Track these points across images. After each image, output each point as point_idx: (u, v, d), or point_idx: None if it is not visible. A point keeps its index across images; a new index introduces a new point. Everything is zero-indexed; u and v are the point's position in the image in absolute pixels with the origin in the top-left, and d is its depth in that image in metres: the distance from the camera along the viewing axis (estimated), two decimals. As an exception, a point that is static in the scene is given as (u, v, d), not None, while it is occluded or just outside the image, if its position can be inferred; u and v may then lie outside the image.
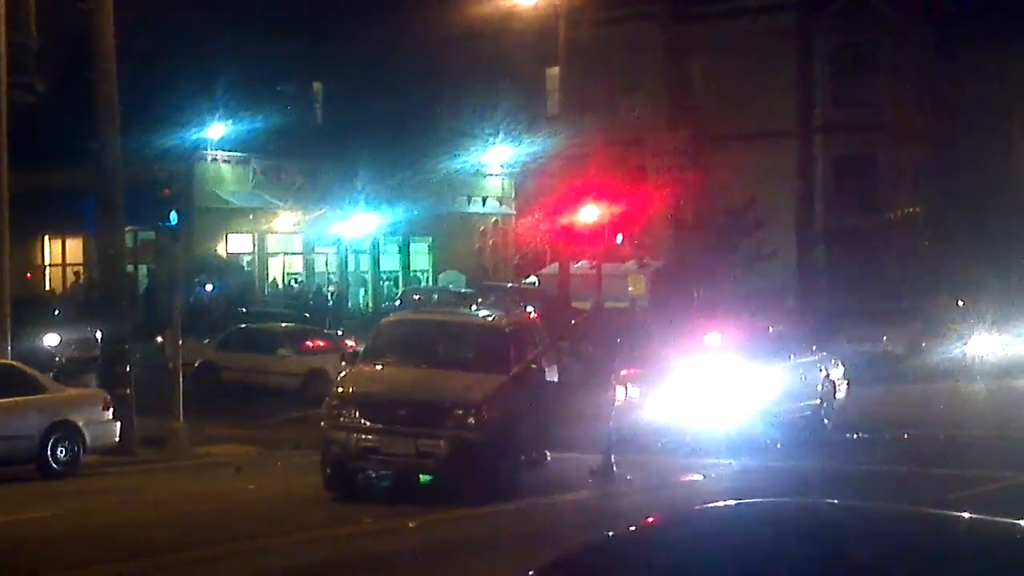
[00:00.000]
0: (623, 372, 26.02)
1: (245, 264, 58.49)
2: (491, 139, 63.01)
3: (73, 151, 35.71)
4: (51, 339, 39.37)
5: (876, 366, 42.68)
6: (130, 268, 39.97)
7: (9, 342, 28.79)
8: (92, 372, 30.24)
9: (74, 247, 57.96)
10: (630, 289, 53.13)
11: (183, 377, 29.05)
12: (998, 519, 6.25)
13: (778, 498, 7.35)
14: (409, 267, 65.04)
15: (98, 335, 38.73)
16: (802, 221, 49.80)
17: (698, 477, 24.04)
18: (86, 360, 35.19)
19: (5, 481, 24.05)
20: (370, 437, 20.82)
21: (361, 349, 24.17)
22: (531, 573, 6.08)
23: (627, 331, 31.27)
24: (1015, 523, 6.06)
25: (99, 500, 21.95)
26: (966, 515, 6.46)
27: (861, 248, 59.17)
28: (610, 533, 6.91)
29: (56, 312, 45.91)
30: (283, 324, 43.11)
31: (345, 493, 21.15)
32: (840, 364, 32.29)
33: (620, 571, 5.97)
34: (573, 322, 39.26)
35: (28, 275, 56.18)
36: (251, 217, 57.03)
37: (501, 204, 67.44)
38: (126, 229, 30.28)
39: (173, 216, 28.57)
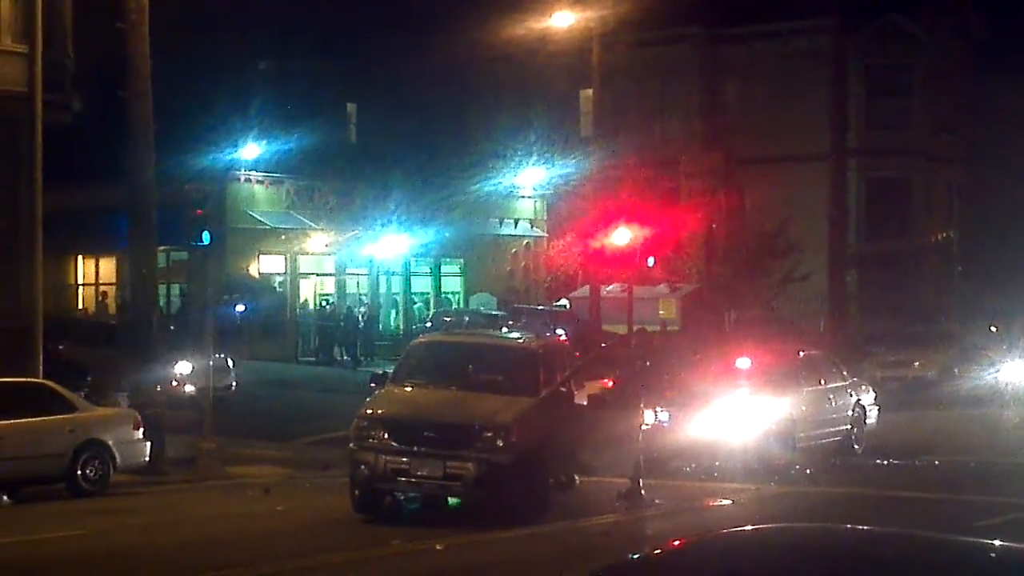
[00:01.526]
0: (655, 395, 25.98)
1: (277, 285, 58.62)
2: (524, 161, 63.05)
3: (107, 170, 35.90)
4: (183, 367, 36.21)
5: (908, 392, 42.53)
6: (162, 288, 40.16)
7: (40, 361, 28.92)
8: (124, 392, 30.27)
9: (107, 267, 58.19)
10: (661, 313, 53.02)
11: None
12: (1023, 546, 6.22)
13: (803, 523, 7.34)
14: (440, 289, 65.06)
15: (230, 361, 38.41)
16: (835, 245, 49.55)
17: (726, 502, 23.97)
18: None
19: (35, 499, 24.15)
20: (399, 459, 20.81)
21: (391, 370, 24.16)
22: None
23: (657, 354, 31.19)
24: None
25: (127, 520, 22.00)
26: (994, 543, 6.44)
27: (894, 273, 59.01)
28: (635, 556, 6.91)
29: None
30: None
31: (373, 515, 21.15)
32: (871, 389, 32.19)
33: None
34: (604, 344, 39.24)
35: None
36: (283, 238, 57.15)
37: (533, 226, 67.44)
38: (159, 249, 30.39)
39: (206, 236, 28.68)
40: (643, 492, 22.91)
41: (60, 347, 35.24)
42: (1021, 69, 61.68)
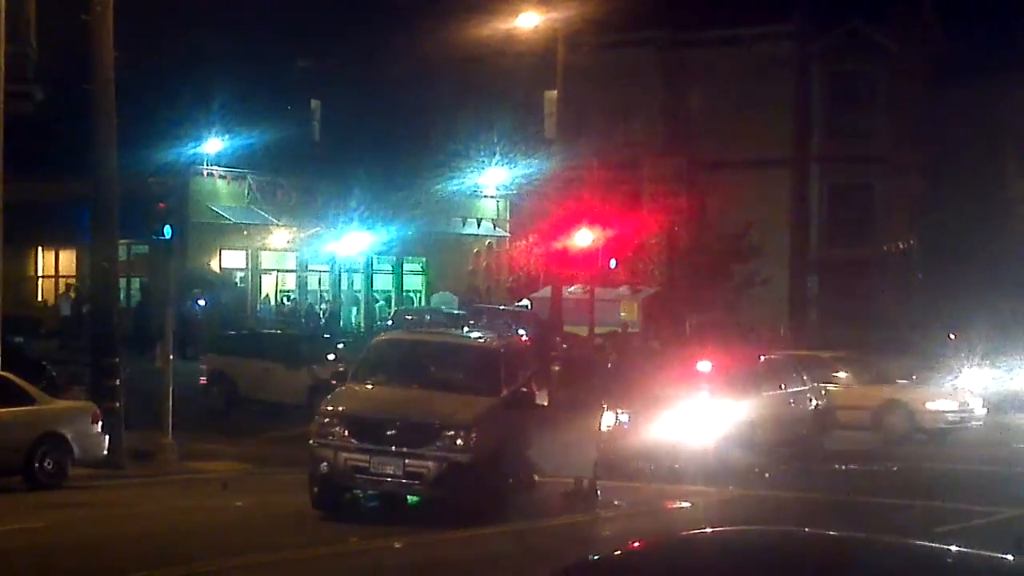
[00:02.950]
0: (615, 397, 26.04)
1: (238, 280, 58.48)
2: (487, 161, 63.06)
3: (70, 162, 35.78)
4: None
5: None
6: (123, 281, 39.99)
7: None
8: (82, 384, 30.13)
9: (67, 259, 57.92)
10: (622, 314, 53.16)
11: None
12: (981, 552, 6.27)
13: (762, 527, 7.36)
14: (402, 287, 65.04)
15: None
16: (796, 250, 49.84)
17: (685, 504, 24.03)
18: None
19: (-8, 492, 24.01)
20: (358, 456, 20.79)
21: (352, 368, 24.14)
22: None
23: (618, 356, 31.26)
24: (997, 557, 6.07)
25: (84, 513, 21.92)
26: (951, 548, 6.48)
27: (854, 278, 59.27)
28: (594, 557, 6.92)
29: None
30: None
31: (332, 512, 21.11)
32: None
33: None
34: (566, 346, 39.29)
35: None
36: (245, 233, 57.00)
37: (495, 226, 67.47)
38: (120, 242, 30.27)
39: (167, 230, 28.60)
40: (598, 493, 22.95)
41: (18, 339, 35.07)
42: (982, 78, 62.06)
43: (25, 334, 39.58)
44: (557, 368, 27.21)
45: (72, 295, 54.67)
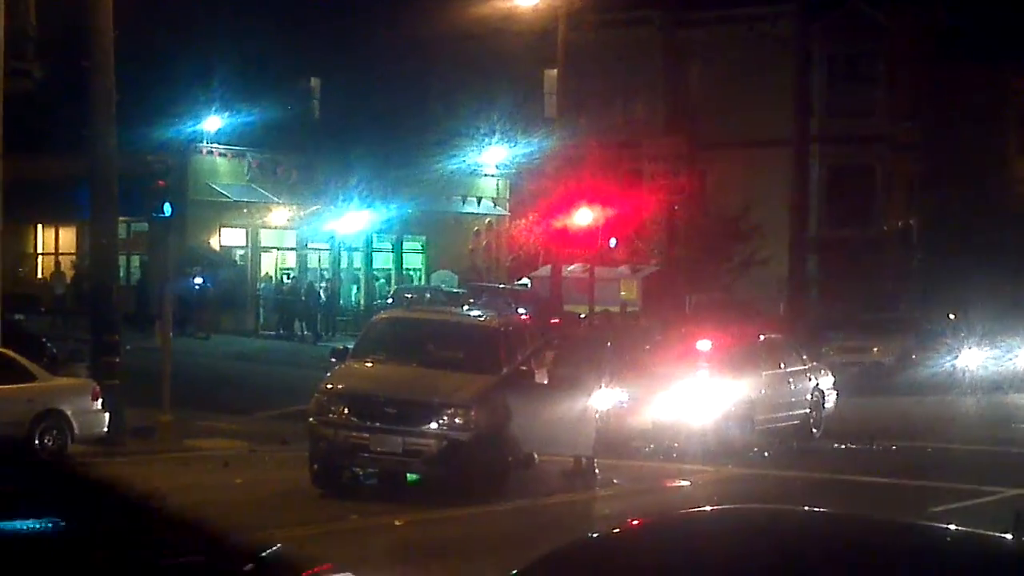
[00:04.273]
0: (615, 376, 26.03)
1: (238, 258, 58.44)
2: (487, 139, 62.96)
3: (69, 140, 35.66)
4: None
5: (866, 377, 42.74)
6: (122, 259, 39.93)
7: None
8: (83, 362, 30.14)
9: (67, 236, 57.87)
10: (622, 293, 53.19)
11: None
12: (979, 531, 6.27)
13: (761, 505, 7.38)
14: (402, 265, 64.98)
15: None
16: (795, 230, 49.75)
17: (684, 483, 24.06)
18: None
19: (-9, 468, 23.99)
20: (358, 434, 20.81)
21: (352, 346, 24.16)
22: (515, 573, 6.10)
23: (618, 335, 31.24)
24: (996, 536, 6.08)
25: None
26: (950, 527, 6.48)
27: (854, 259, 59.22)
28: (594, 535, 6.94)
29: None
30: None
31: (332, 490, 21.13)
32: (830, 374, 32.35)
33: (603, 572, 5.99)
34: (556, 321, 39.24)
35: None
36: (245, 211, 56.95)
37: (495, 205, 67.40)
38: (119, 219, 30.25)
39: (167, 208, 28.58)
40: (597, 472, 22.97)
41: (19, 316, 35.08)
42: (984, 58, 61.96)
43: (25, 311, 39.59)
44: (556, 347, 27.20)
45: (67, 273, 54.57)
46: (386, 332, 23.69)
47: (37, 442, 24.42)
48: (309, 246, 61.07)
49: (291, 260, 61.19)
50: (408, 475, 21.93)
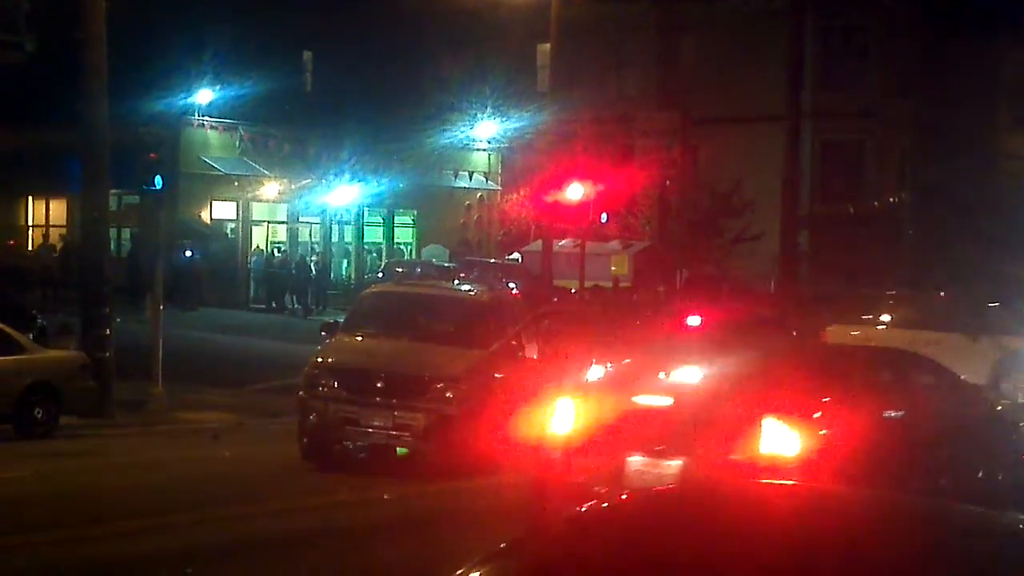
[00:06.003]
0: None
1: (229, 231, 58.40)
2: (479, 114, 62.93)
3: (60, 112, 35.60)
4: None
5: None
6: (113, 231, 39.86)
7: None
8: (73, 335, 30.12)
9: (57, 208, 57.77)
10: (613, 269, 53.11)
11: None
12: (979, 509, 6.27)
13: (756, 480, 7.39)
14: (393, 239, 65.00)
15: None
16: (787, 206, 49.68)
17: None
18: None
19: (-19, 440, 24.03)
20: (348, 408, 20.82)
21: (342, 320, 24.15)
22: (503, 546, 6.10)
23: (609, 310, 31.24)
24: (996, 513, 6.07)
25: (73, 462, 21.94)
26: (948, 504, 6.48)
27: (845, 235, 59.23)
28: (583, 509, 6.94)
29: None
30: None
31: (322, 463, 21.15)
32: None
33: (592, 545, 5.99)
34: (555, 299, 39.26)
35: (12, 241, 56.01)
36: (236, 184, 56.91)
37: (487, 179, 67.39)
38: (111, 192, 30.19)
39: (158, 181, 28.51)
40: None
41: (7, 288, 35.01)
42: (977, 34, 61.90)
43: (16, 284, 39.53)
44: (546, 322, 27.18)
45: (56, 245, 54.47)
46: (377, 306, 23.69)
47: (27, 414, 24.40)
48: (300, 220, 61.08)
49: (282, 234, 61.19)
50: (398, 449, 21.93)
